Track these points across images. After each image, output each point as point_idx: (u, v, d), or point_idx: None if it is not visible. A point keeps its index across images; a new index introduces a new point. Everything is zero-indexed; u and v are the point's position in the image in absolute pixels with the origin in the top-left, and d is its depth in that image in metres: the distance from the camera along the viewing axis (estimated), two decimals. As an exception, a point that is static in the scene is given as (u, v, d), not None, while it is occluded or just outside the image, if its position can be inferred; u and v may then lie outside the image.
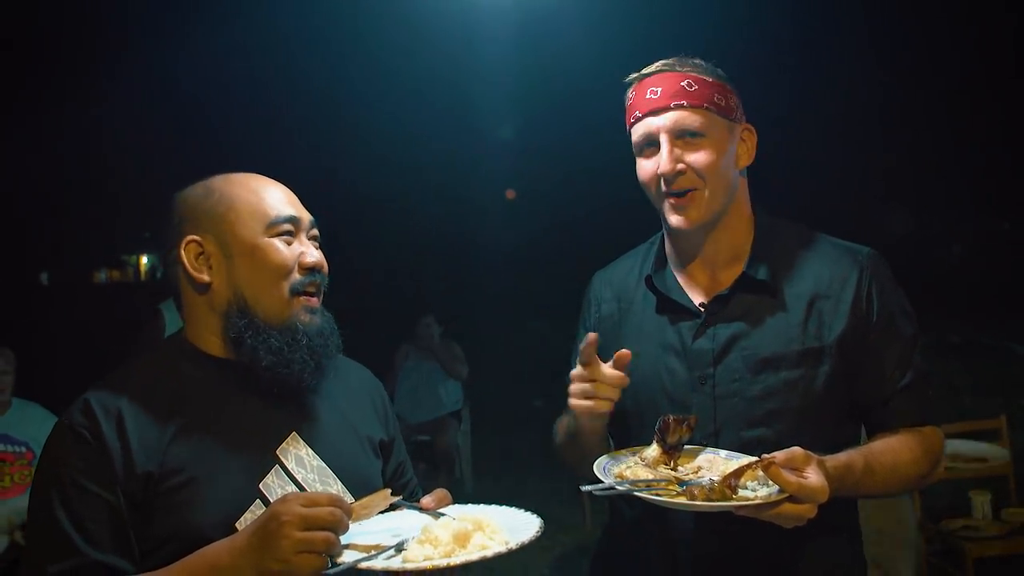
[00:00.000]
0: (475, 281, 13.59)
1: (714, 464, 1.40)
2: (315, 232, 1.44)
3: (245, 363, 1.35)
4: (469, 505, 1.34)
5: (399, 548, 1.18)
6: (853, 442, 1.49)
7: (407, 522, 1.28)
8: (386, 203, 16.27)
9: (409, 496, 1.56)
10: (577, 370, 1.47)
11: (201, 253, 1.36)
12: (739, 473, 1.28)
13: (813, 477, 1.26)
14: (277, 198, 1.40)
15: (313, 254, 1.39)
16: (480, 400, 6.57)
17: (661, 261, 1.67)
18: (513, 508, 1.32)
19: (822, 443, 1.41)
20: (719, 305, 1.57)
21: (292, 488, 1.33)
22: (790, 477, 1.24)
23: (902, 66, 13.66)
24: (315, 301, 1.39)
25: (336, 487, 1.38)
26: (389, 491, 1.31)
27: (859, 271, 1.55)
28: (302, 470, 1.36)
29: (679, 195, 1.54)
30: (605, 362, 1.66)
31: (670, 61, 1.57)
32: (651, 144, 1.55)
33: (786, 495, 1.24)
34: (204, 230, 1.36)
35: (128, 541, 1.23)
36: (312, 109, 15.23)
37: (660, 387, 1.58)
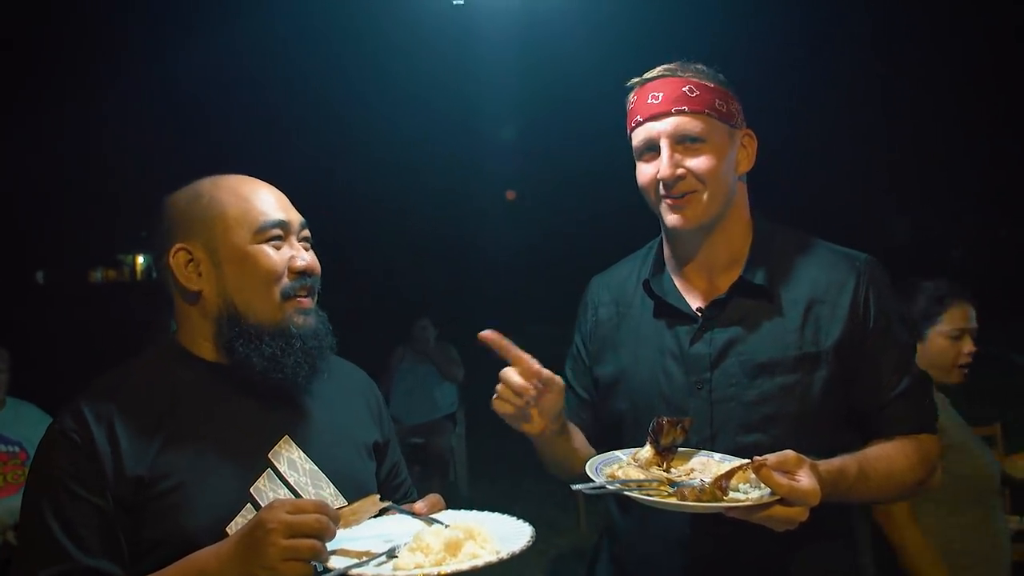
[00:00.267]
0: (473, 284, 13.62)
1: (707, 467, 1.40)
2: (306, 233, 1.43)
3: (238, 367, 1.35)
4: (462, 511, 1.33)
5: (390, 555, 1.18)
6: (850, 448, 1.49)
7: (399, 528, 1.27)
8: (385, 205, 16.30)
9: (403, 497, 1.56)
10: (505, 368, 1.45)
11: (190, 260, 1.36)
12: (730, 475, 1.28)
13: (805, 480, 1.26)
14: (265, 202, 1.38)
15: (304, 257, 1.38)
16: (476, 403, 6.57)
17: (659, 266, 1.67)
18: (505, 516, 1.31)
19: (819, 448, 1.41)
20: (716, 310, 1.57)
21: (284, 492, 1.33)
22: (781, 479, 1.24)
23: (904, 72, 13.73)
24: (308, 303, 1.39)
25: (328, 490, 1.38)
26: (378, 496, 1.31)
27: (856, 277, 1.56)
28: (294, 473, 1.36)
29: (677, 196, 1.55)
30: (604, 363, 1.69)
31: (672, 66, 1.58)
32: (651, 149, 1.56)
33: (777, 498, 1.24)
34: (193, 237, 1.36)
35: (118, 545, 1.24)
36: (311, 110, 15.26)
37: (657, 391, 1.58)
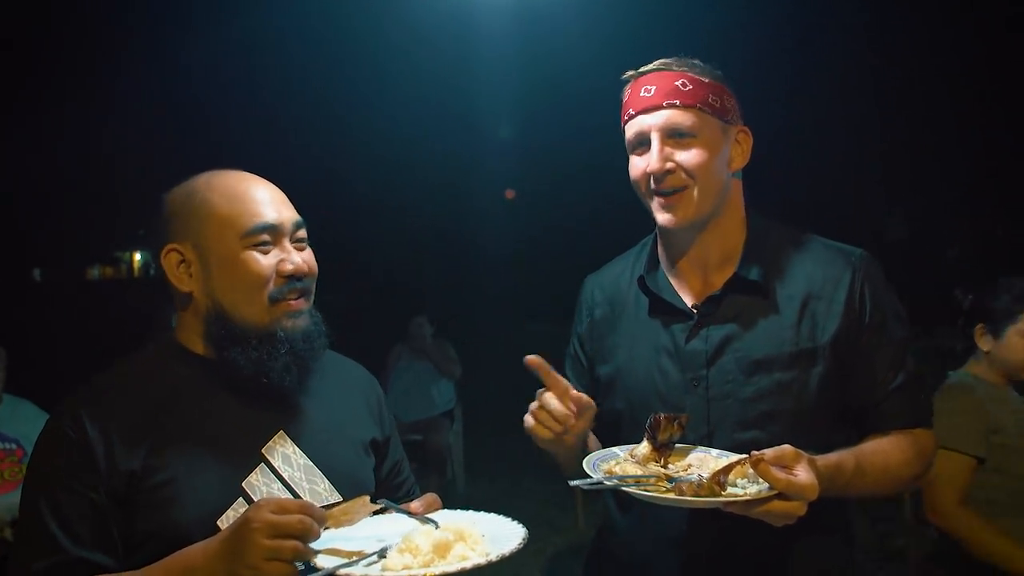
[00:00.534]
0: (473, 281, 13.63)
1: (705, 462, 1.41)
2: (301, 233, 1.41)
3: (228, 366, 1.35)
4: (458, 511, 1.34)
5: (381, 555, 1.18)
6: (847, 443, 1.50)
7: (394, 527, 1.27)
8: (384, 203, 16.31)
9: (405, 496, 1.57)
10: (541, 389, 1.47)
11: (182, 261, 1.37)
12: (728, 470, 1.29)
13: (803, 475, 1.26)
14: (256, 204, 1.36)
15: (293, 261, 1.36)
16: (474, 401, 6.60)
17: (653, 262, 1.67)
18: (501, 516, 1.31)
19: (816, 444, 1.42)
20: (711, 306, 1.57)
21: (277, 486, 1.34)
22: (779, 474, 1.24)
23: (897, 65, 13.73)
24: (298, 305, 1.38)
25: (323, 485, 1.39)
26: (368, 497, 1.32)
27: (852, 272, 1.56)
28: (288, 468, 1.37)
29: (667, 194, 1.54)
30: (601, 363, 1.69)
31: (667, 61, 1.58)
32: (643, 142, 1.56)
33: (775, 492, 1.25)
34: (183, 238, 1.36)
35: (111, 539, 1.25)
36: (310, 108, 15.25)
37: (654, 389, 1.58)
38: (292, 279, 1.36)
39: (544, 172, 16.10)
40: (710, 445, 1.51)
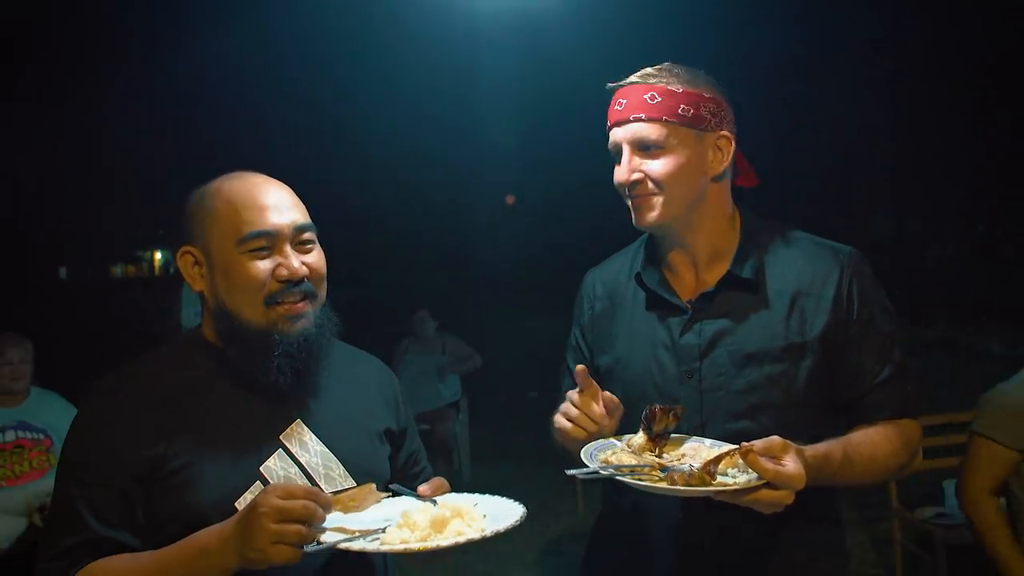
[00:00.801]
0: (475, 279, 13.71)
1: (698, 452, 1.44)
2: (306, 236, 1.42)
3: (233, 360, 1.41)
4: (464, 494, 1.37)
5: (381, 532, 1.22)
6: (835, 434, 1.52)
7: (403, 510, 1.29)
8: (394, 203, 16.40)
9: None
10: (572, 392, 1.52)
11: (196, 263, 1.42)
12: (718, 460, 1.32)
13: (791, 465, 1.29)
14: (253, 211, 1.38)
15: (291, 265, 1.38)
16: (479, 392, 6.74)
17: (650, 259, 1.72)
18: (503, 498, 1.34)
19: (805, 435, 1.45)
20: (705, 302, 1.62)
21: (295, 471, 1.38)
22: (767, 464, 1.28)
23: (888, 71, 13.62)
24: (299, 308, 1.39)
25: (338, 471, 1.42)
26: (374, 485, 1.35)
27: (840, 269, 1.59)
28: (305, 454, 1.41)
29: (637, 198, 1.61)
30: (601, 354, 1.74)
31: (648, 71, 1.62)
32: (617, 152, 1.62)
33: (764, 482, 1.28)
34: (194, 240, 1.42)
35: (136, 519, 1.31)
36: (324, 115, 15.36)
37: (650, 381, 1.63)
38: (289, 283, 1.37)
39: (545, 173, 16.11)
40: (703, 435, 1.54)
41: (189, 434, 1.35)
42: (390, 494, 1.39)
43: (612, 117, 1.63)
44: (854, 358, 1.57)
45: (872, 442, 1.52)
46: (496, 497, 1.35)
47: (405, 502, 1.34)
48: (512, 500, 1.33)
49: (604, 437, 1.52)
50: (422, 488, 1.38)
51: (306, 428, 1.43)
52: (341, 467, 1.43)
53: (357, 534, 1.21)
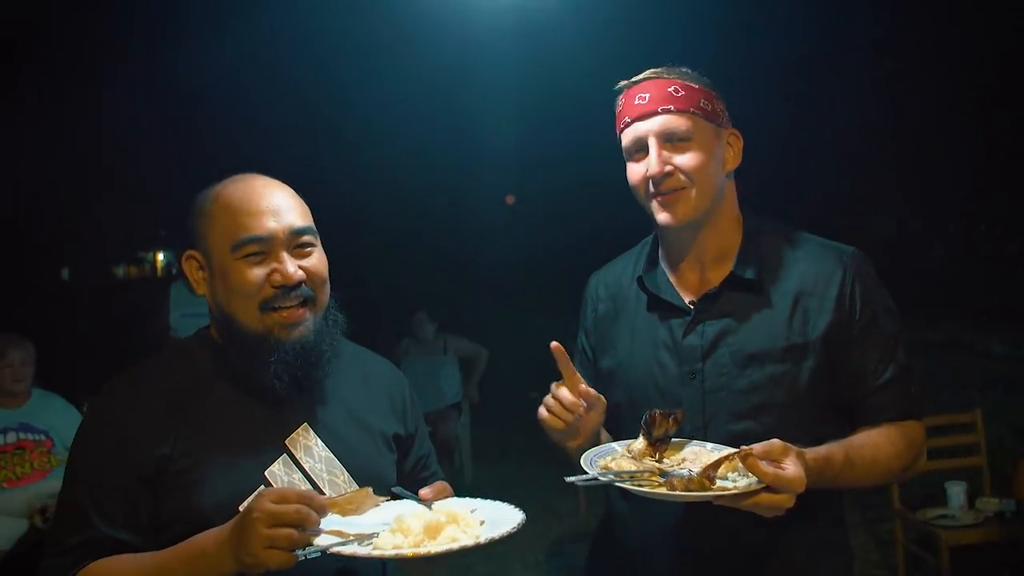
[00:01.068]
0: (478, 280, 13.73)
1: (699, 456, 1.43)
2: (304, 239, 1.41)
3: (232, 364, 1.41)
4: (466, 498, 1.36)
5: (375, 536, 1.21)
6: (838, 435, 1.52)
7: (399, 514, 1.28)
8: (393, 205, 16.43)
9: None
10: (555, 383, 1.52)
11: (200, 267, 1.43)
12: (717, 464, 1.32)
13: (791, 468, 1.29)
14: (248, 217, 1.37)
15: (286, 271, 1.36)
16: (480, 393, 6.75)
17: (652, 262, 1.71)
18: (503, 503, 1.33)
19: (808, 436, 1.45)
20: (708, 303, 1.61)
21: (298, 476, 1.38)
22: (767, 468, 1.27)
23: (886, 70, 13.64)
24: (296, 315, 1.38)
25: (342, 477, 1.42)
26: (371, 489, 1.34)
27: (843, 269, 1.59)
28: (309, 460, 1.41)
29: (667, 194, 1.59)
30: (604, 355, 1.74)
31: (658, 70, 1.62)
32: (640, 148, 1.60)
33: (763, 485, 1.28)
34: (196, 245, 1.42)
35: (140, 519, 1.32)
36: (323, 113, 15.38)
37: (653, 382, 1.63)
38: (285, 288, 1.36)
39: (546, 174, 16.13)
40: (705, 435, 1.54)
41: (196, 436, 1.35)
42: (389, 498, 1.38)
43: (633, 112, 1.61)
44: (857, 359, 1.57)
45: (874, 444, 1.51)
46: (496, 502, 1.34)
47: (403, 506, 1.33)
48: (512, 506, 1.31)
49: (585, 431, 1.52)
50: (424, 492, 1.38)
51: (312, 433, 1.43)
52: (346, 473, 1.43)
53: (352, 538, 1.20)
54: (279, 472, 1.37)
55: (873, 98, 14.37)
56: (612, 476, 1.37)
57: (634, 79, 1.63)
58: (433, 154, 16.02)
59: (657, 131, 1.58)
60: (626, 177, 1.67)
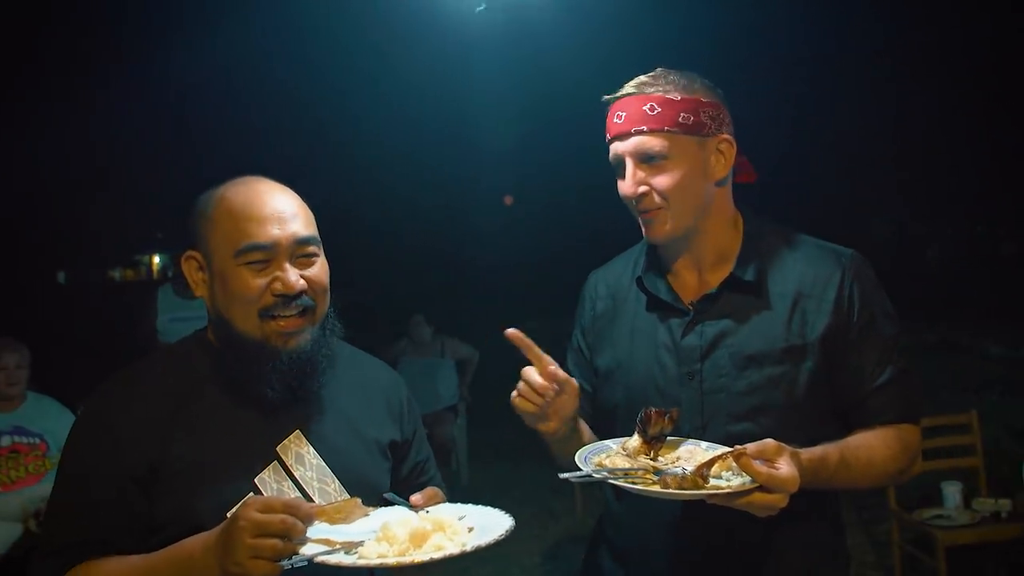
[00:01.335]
0: (473, 282, 13.75)
1: (694, 455, 1.43)
2: (308, 249, 1.40)
3: (228, 368, 1.40)
4: (456, 505, 1.36)
5: (360, 545, 1.20)
6: (837, 437, 1.52)
7: (384, 522, 1.26)
8: (390, 207, 16.44)
9: None
10: (525, 368, 1.51)
11: (199, 268, 1.41)
12: (711, 463, 1.32)
13: (784, 468, 1.29)
14: (252, 223, 1.36)
15: (287, 280, 1.35)
16: (476, 394, 6.76)
17: (651, 263, 1.71)
18: (494, 509, 1.32)
19: (805, 437, 1.45)
20: (707, 304, 1.62)
21: (288, 484, 1.37)
22: (760, 467, 1.28)
23: (886, 72, 13.70)
24: (293, 324, 1.37)
25: (333, 486, 1.40)
26: (359, 500, 1.33)
27: (842, 272, 1.59)
28: (301, 467, 1.39)
29: (645, 211, 1.60)
30: (601, 355, 1.73)
31: (642, 80, 1.60)
32: (620, 165, 1.61)
33: (757, 485, 1.28)
34: (197, 246, 1.41)
35: (131, 522, 1.31)
36: (318, 115, 15.40)
37: (652, 382, 1.63)
38: (284, 297, 1.35)
39: (543, 175, 16.16)
40: (703, 436, 1.54)
41: (189, 439, 1.34)
42: (379, 506, 1.37)
43: (612, 130, 1.62)
44: (854, 361, 1.57)
45: (870, 446, 1.51)
46: (486, 508, 1.33)
47: (391, 514, 1.31)
48: (502, 512, 1.30)
49: (559, 416, 1.49)
50: (415, 498, 1.37)
51: (305, 441, 1.42)
52: (337, 482, 1.41)
53: (339, 547, 1.19)
54: (269, 479, 1.36)
55: (872, 100, 14.42)
56: (606, 473, 1.36)
57: (616, 94, 1.63)
58: (429, 156, 16.04)
59: (632, 151, 1.58)
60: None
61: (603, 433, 1.66)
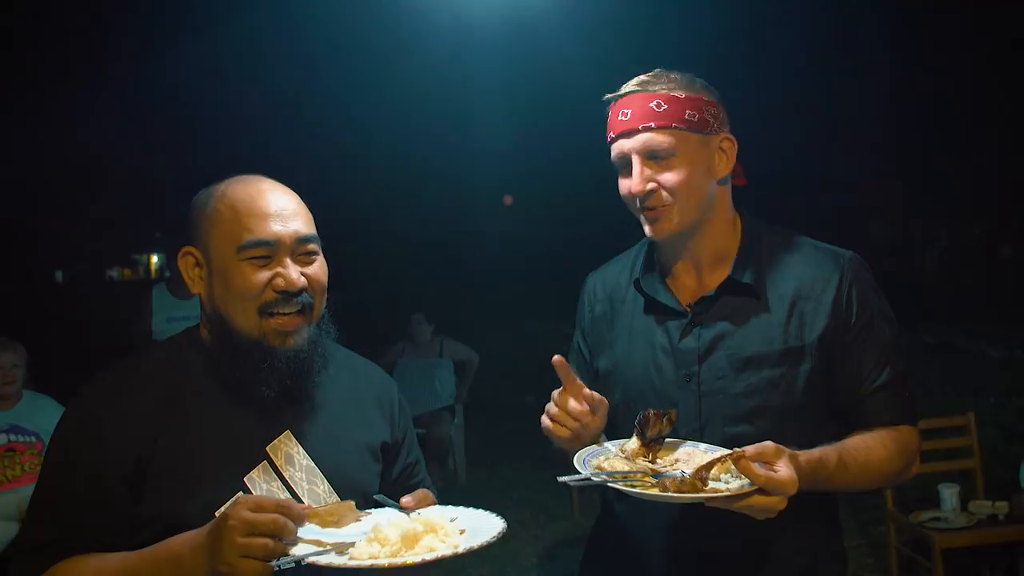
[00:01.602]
0: (472, 283, 13.76)
1: (692, 457, 1.43)
2: (308, 247, 1.40)
3: (223, 366, 1.39)
4: (447, 507, 1.35)
5: (351, 546, 1.20)
6: (835, 439, 1.52)
7: (376, 523, 1.26)
8: (387, 207, 16.45)
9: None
10: (555, 391, 1.52)
11: (196, 264, 1.40)
12: (710, 466, 1.31)
13: (783, 470, 1.29)
14: (256, 219, 1.36)
15: (289, 276, 1.35)
16: (474, 394, 6.76)
17: (649, 265, 1.71)
18: (485, 512, 1.31)
19: (804, 439, 1.46)
20: (705, 306, 1.61)
21: (277, 484, 1.36)
22: (759, 470, 1.27)
23: (884, 75, 13.74)
24: (291, 322, 1.37)
25: (322, 487, 1.39)
26: (354, 503, 1.32)
27: (840, 273, 1.59)
28: (290, 468, 1.38)
29: (652, 209, 1.59)
30: (600, 356, 1.73)
31: (645, 78, 1.60)
32: (625, 164, 1.60)
33: (756, 487, 1.27)
34: (196, 241, 1.40)
35: (116, 519, 1.29)
36: (317, 115, 15.41)
37: (649, 384, 1.63)
38: (286, 294, 1.35)
39: (541, 177, 16.18)
40: (701, 438, 1.54)
41: (177, 437, 1.33)
42: (372, 509, 1.36)
43: (617, 128, 1.61)
44: (852, 362, 1.57)
45: (868, 448, 1.51)
46: (477, 510, 1.33)
47: (382, 515, 1.31)
48: (493, 514, 1.30)
49: (589, 435, 1.51)
50: (405, 500, 1.36)
51: (295, 441, 1.41)
52: (326, 483, 1.40)
53: (329, 547, 1.18)
54: (258, 479, 1.34)
55: (871, 102, 14.45)
56: (605, 476, 1.36)
57: (619, 92, 1.62)
58: (429, 156, 16.04)
59: (639, 148, 1.57)
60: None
61: (605, 432, 1.65)
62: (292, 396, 1.40)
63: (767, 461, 1.30)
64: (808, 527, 1.58)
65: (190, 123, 15.38)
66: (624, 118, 1.59)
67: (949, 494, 3.94)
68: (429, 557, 1.15)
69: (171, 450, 1.32)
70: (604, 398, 1.52)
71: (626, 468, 1.40)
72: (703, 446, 1.48)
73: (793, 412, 1.55)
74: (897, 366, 1.58)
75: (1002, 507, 3.88)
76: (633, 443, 1.46)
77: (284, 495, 1.36)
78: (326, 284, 1.43)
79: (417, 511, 1.32)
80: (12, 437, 3.62)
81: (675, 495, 1.29)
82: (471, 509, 1.34)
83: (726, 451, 1.35)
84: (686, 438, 1.55)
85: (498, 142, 14.81)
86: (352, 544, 1.20)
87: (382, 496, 1.39)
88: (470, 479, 6.35)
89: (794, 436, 1.44)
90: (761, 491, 1.28)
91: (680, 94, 1.57)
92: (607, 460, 1.44)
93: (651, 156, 1.57)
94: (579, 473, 1.38)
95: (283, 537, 1.14)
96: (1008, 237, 15.42)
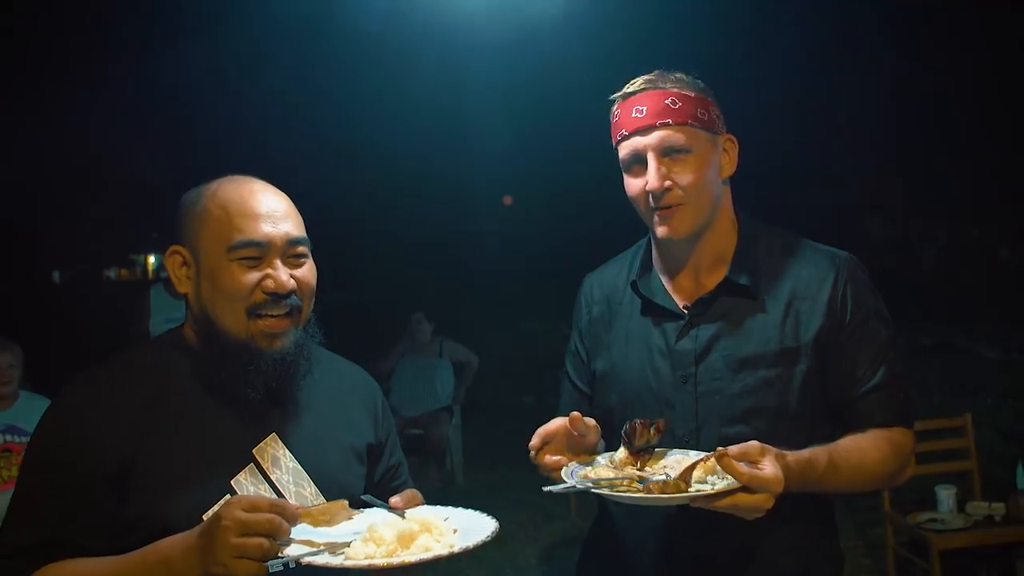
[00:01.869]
0: (470, 284, 13.78)
1: (681, 464, 1.41)
2: (298, 250, 1.39)
3: (210, 367, 1.37)
4: (438, 507, 1.35)
5: (346, 546, 1.19)
6: (831, 439, 1.52)
7: (371, 523, 1.26)
8: (386, 207, 16.46)
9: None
10: (546, 426, 1.50)
11: (184, 264, 1.39)
12: (693, 467, 1.31)
13: (768, 468, 1.28)
14: (247, 219, 1.35)
15: (279, 278, 1.34)
16: (472, 395, 6.76)
17: (646, 266, 1.71)
18: (477, 512, 1.31)
19: (800, 440, 1.45)
20: (702, 307, 1.62)
21: (264, 487, 1.35)
22: (742, 468, 1.27)
23: (881, 73, 13.75)
24: (278, 324, 1.36)
25: (309, 490, 1.39)
26: (347, 502, 1.31)
27: (835, 273, 1.59)
28: (277, 470, 1.37)
29: (666, 208, 1.58)
30: (597, 358, 1.73)
31: (652, 77, 1.60)
32: (639, 161, 1.59)
33: (740, 486, 1.27)
34: (184, 241, 1.39)
35: (100, 522, 1.27)
36: (315, 115, 15.41)
37: (646, 385, 1.63)
38: (274, 295, 1.34)
39: (539, 177, 16.20)
40: (698, 439, 1.55)
41: (162, 438, 1.31)
42: (363, 509, 1.36)
43: (630, 125, 1.59)
44: (846, 362, 1.57)
45: (860, 449, 1.50)
46: (469, 511, 1.32)
47: (376, 516, 1.30)
48: (485, 514, 1.29)
49: (583, 452, 1.51)
50: (394, 500, 1.35)
51: (281, 444, 1.40)
52: (313, 486, 1.39)
53: (323, 547, 1.18)
54: (245, 481, 1.33)
55: (870, 102, 14.46)
56: (589, 484, 1.36)
57: (629, 89, 1.61)
58: (429, 156, 16.04)
59: (655, 145, 1.56)
60: (622, 183, 1.65)
61: (602, 435, 1.65)
62: (277, 398, 1.39)
63: (751, 459, 1.30)
64: (802, 528, 1.58)
65: (189, 124, 15.37)
66: (639, 115, 1.58)
67: (946, 495, 3.94)
68: (427, 556, 1.15)
69: (156, 451, 1.30)
70: (594, 423, 1.52)
71: (612, 476, 1.39)
72: (693, 453, 1.47)
73: (790, 413, 1.55)
74: (893, 367, 1.57)
75: (999, 508, 3.88)
76: (621, 453, 1.45)
77: (271, 497, 1.34)
78: (314, 287, 1.42)
79: (403, 512, 1.31)
80: (8, 438, 3.61)
81: (658, 496, 1.29)
82: (462, 509, 1.34)
83: (708, 453, 1.35)
84: (683, 439, 1.55)
85: (498, 142, 14.81)
86: (345, 544, 1.19)
87: (370, 496, 1.39)
88: (468, 480, 6.34)
89: (791, 436, 1.43)
90: (746, 489, 1.27)
91: (690, 92, 1.58)
92: (594, 470, 1.43)
93: (667, 153, 1.56)
94: (564, 481, 1.38)
95: (278, 537, 1.13)
96: (1007, 238, 15.44)
